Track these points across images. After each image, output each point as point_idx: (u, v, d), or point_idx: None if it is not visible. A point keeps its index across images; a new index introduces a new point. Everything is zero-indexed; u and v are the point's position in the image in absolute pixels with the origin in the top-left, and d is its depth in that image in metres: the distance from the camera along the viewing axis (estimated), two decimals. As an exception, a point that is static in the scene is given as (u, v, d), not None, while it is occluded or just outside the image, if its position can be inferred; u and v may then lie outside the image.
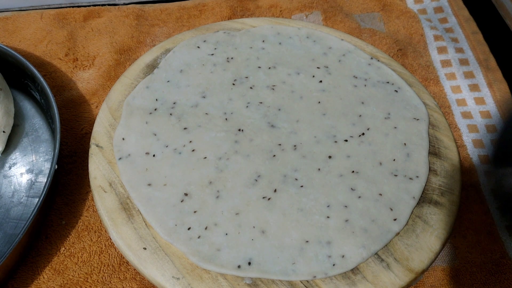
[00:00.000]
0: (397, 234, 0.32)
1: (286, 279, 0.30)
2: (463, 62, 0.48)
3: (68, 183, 0.40)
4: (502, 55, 0.49)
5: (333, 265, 0.30)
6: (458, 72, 0.48)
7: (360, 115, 0.39)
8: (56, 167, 0.35)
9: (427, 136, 0.38)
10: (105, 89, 0.46)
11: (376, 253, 0.31)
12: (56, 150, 0.36)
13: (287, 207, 0.33)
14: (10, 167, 0.41)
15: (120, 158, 0.35)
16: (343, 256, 0.31)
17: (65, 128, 0.43)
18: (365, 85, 0.41)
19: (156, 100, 0.39)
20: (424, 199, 0.34)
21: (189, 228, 0.32)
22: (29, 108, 0.45)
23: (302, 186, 0.34)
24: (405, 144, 0.37)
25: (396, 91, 0.41)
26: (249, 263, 0.30)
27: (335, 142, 0.37)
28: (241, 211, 0.32)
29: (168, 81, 0.41)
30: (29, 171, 0.40)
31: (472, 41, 0.50)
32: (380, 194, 0.34)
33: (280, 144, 0.36)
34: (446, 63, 0.48)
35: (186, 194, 0.33)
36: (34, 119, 0.44)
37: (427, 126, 0.38)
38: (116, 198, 0.33)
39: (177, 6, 0.54)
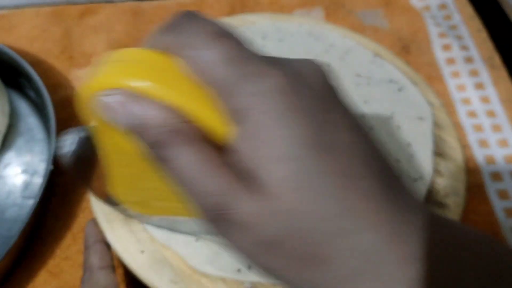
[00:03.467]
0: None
1: (287, 284, 0.29)
2: (468, 59, 0.48)
3: (64, 184, 0.39)
4: (507, 52, 0.48)
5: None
6: (462, 70, 0.47)
7: (363, 115, 0.38)
8: (52, 167, 0.35)
9: (432, 136, 0.37)
10: (101, 87, 0.46)
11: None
12: (52, 150, 0.36)
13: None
14: (4, 167, 0.40)
15: (116, 159, 0.35)
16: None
17: (60, 128, 0.42)
18: (368, 84, 0.40)
19: (154, 99, 0.39)
20: (428, 200, 0.33)
21: (187, 231, 0.31)
22: (24, 107, 0.44)
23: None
24: (409, 144, 0.36)
25: (400, 90, 0.40)
26: (249, 267, 0.29)
27: (337, 142, 0.36)
28: (241, 214, 0.32)
29: (166, 79, 0.40)
30: (24, 171, 0.40)
31: (477, 39, 0.49)
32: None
33: (281, 144, 0.36)
34: (450, 61, 0.48)
35: (184, 196, 0.33)
36: (29, 118, 0.43)
37: (431, 126, 0.37)
38: (113, 200, 0.33)
39: (175, 2, 0.53)
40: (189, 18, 0.17)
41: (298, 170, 0.15)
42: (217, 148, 0.16)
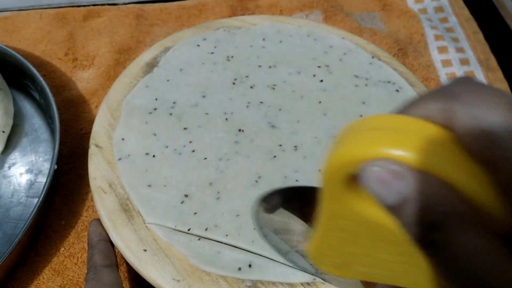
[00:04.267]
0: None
1: (287, 281, 0.29)
2: (464, 61, 0.48)
3: (68, 183, 0.40)
4: (502, 55, 0.49)
5: (334, 266, 0.30)
6: (458, 72, 0.47)
7: (361, 115, 0.39)
8: (56, 167, 0.35)
9: (428, 136, 0.37)
10: (104, 88, 0.46)
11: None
12: (56, 150, 0.36)
13: (288, 208, 0.33)
14: (9, 167, 0.40)
15: (119, 159, 0.35)
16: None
17: (64, 128, 0.43)
18: (366, 85, 0.41)
19: (156, 99, 0.39)
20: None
21: (189, 229, 0.31)
22: (28, 108, 0.45)
23: (302, 187, 0.34)
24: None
25: (398, 91, 0.40)
26: (250, 265, 0.30)
27: (336, 142, 0.37)
28: (241, 213, 0.32)
29: (168, 80, 0.41)
30: (29, 171, 0.40)
31: (473, 41, 0.50)
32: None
33: (280, 145, 0.36)
34: (446, 63, 0.48)
35: (186, 195, 0.33)
36: (34, 119, 0.44)
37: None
38: (116, 199, 0.33)
39: (176, 5, 0.54)
40: (470, 85, 0.15)
41: None
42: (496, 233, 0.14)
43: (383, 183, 0.14)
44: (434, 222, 0.13)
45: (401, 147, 0.14)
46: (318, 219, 0.19)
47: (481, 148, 0.14)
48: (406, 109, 0.16)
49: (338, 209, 0.17)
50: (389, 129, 0.15)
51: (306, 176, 0.34)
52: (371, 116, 0.16)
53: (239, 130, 0.37)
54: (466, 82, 0.15)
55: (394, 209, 0.15)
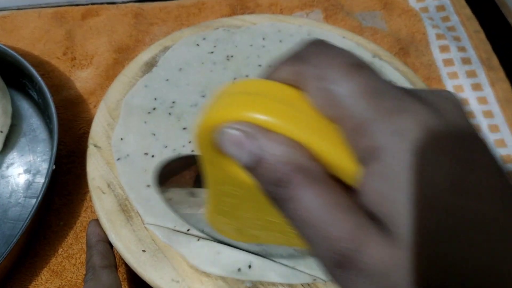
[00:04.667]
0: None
1: (287, 282, 0.29)
2: (465, 61, 0.48)
3: (66, 183, 0.40)
4: (504, 54, 0.49)
5: (335, 267, 0.30)
6: (460, 71, 0.47)
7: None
8: (54, 167, 0.35)
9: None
10: (103, 88, 0.46)
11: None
12: (54, 150, 0.36)
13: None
14: (7, 167, 0.40)
15: (118, 159, 0.35)
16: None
17: (63, 128, 0.43)
18: (366, 85, 0.41)
19: (155, 99, 0.39)
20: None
21: (188, 230, 0.31)
22: (26, 107, 0.44)
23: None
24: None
25: (398, 91, 0.40)
26: (250, 266, 0.30)
27: (336, 142, 0.36)
28: (241, 213, 0.32)
29: (167, 80, 0.40)
30: (27, 171, 0.40)
31: (475, 40, 0.50)
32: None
33: (280, 145, 0.36)
34: (448, 62, 0.48)
35: (185, 196, 0.33)
36: (32, 119, 0.43)
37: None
38: (115, 199, 0.33)
39: (176, 4, 0.54)
40: (319, 47, 0.16)
41: (436, 219, 0.13)
42: (345, 189, 0.14)
43: (237, 144, 0.15)
44: (280, 179, 0.14)
45: (254, 109, 0.15)
46: (206, 187, 0.20)
47: (327, 107, 0.15)
48: (268, 74, 0.17)
49: (217, 175, 0.18)
50: (248, 93, 0.16)
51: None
52: (236, 81, 0.17)
53: (239, 129, 0.37)
54: (315, 45, 0.16)
55: (250, 169, 0.15)
